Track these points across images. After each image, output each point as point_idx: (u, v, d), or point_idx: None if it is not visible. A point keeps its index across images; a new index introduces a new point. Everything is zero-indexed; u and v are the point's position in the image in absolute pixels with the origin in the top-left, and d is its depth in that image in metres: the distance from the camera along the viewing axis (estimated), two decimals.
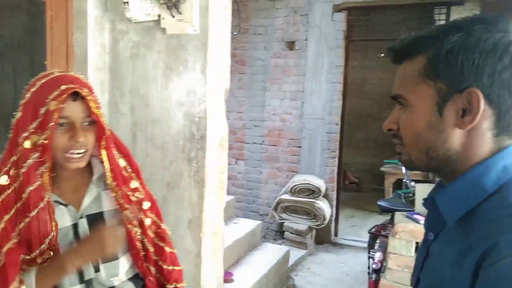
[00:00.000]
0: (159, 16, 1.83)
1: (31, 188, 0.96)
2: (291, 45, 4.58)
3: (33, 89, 0.99)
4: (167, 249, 1.21)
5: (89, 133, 1.02)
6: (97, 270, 1.05)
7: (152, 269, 1.17)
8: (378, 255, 2.66)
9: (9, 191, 0.97)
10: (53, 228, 0.98)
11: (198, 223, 1.90)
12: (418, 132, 0.66)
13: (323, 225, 4.25)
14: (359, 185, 6.83)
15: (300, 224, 4.26)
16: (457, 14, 4.02)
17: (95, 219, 1.06)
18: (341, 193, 4.75)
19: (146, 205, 1.17)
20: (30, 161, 0.96)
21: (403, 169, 3.48)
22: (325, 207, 4.24)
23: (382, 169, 5.25)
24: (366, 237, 3.29)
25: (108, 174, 1.08)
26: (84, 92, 0.99)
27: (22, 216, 0.97)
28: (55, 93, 0.96)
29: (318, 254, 4.29)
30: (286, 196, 4.32)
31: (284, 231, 4.35)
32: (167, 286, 1.21)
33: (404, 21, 5.06)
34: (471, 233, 0.61)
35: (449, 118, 0.63)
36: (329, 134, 4.47)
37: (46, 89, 0.97)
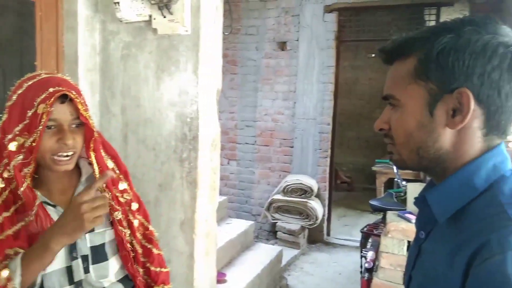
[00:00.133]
0: (150, 16, 1.82)
1: (22, 189, 0.95)
2: (282, 45, 4.59)
3: (19, 91, 0.97)
4: (155, 251, 1.21)
5: (77, 136, 1.01)
6: (86, 271, 1.05)
7: (140, 271, 1.17)
8: (370, 254, 2.68)
9: (6, 192, 0.96)
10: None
11: (191, 224, 1.89)
12: (409, 132, 0.67)
13: (315, 225, 4.26)
14: (351, 184, 6.87)
15: (293, 224, 4.27)
16: (447, 14, 4.06)
17: None
18: (333, 192, 4.77)
19: (134, 206, 1.16)
20: (13, 163, 0.95)
21: (395, 168, 3.51)
22: (317, 207, 4.26)
23: (373, 168, 5.29)
24: (358, 236, 3.31)
25: (98, 176, 1.08)
26: (73, 94, 0.98)
27: (22, 215, 0.96)
28: (43, 96, 0.94)
29: (311, 254, 4.30)
30: (279, 196, 4.33)
31: (276, 231, 4.36)
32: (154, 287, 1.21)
33: (394, 22, 5.10)
34: (462, 231, 0.62)
35: (440, 118, 0.64)
36: (321, 134, 4.49)
37: (34, 91, 0.96)
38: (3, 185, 0.96)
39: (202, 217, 1.94)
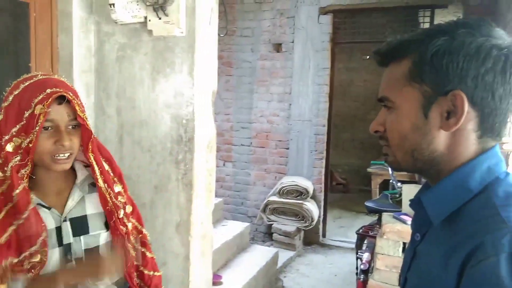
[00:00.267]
0: (145, 18, 1.82)
1: (17, 191, 0.94)
2: (277, 47, 4.60)
3: (16, 92, 0.97)
4: (148, 254, 1.22)
5: (73, 137, 1.01)
6: None
7: (134, 274, 1.17)
8: (366, 256, 2.68)
9: None
10: (43, 229, 0.97)
11: (186, 226, 1.89)
12: (404, 134, 0.67)
13: (311, 226, 4.27)
14: (346, 186, 6.88)
15: (289, 225, 4.27)
16: (441, 16, 4.09)
17: (79, 223, 1.05)
18: (328, 194, 4.77)
19: (128, 209, 1.16)
20: (11, 164, 0.94)
21: (390, 170, 3.52)
22: (313, 208, 4.26)
23: (368, 170, 5.30)
24: (354, 238, 3.31)
25: (99, 176, 1.08)
26: (70, 96, 0.98)
27: (13, 218, 0.95)
28: (41, 97, 0.94)
29: (307, 255, 4.30)
30: (274, 198, 4.33)
31: (272, 233, 4.36)
32: None
33: (389, 24, 5.13)
34: (456, 233, 0.62)
35: (434, 120, 0.64)
36: (316, 135, 4.50)
37: (31, 92, 0.96)
38: None
39: (197, 219, 1.93)
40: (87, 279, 0.98)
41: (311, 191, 4.31)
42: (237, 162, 4.85)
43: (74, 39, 1.88)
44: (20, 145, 0.95)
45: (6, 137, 0.95)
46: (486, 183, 0.63)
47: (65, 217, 1.04)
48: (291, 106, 4.58)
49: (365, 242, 2.99)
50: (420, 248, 0.71)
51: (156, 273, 1.23)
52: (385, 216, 2.39)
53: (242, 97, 4.77)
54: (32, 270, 0.96)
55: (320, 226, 4.61)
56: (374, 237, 2.66)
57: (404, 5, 4.18)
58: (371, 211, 3.25)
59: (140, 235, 1.20)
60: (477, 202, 0.62)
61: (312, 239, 4.54)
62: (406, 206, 2.42)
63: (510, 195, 0.61)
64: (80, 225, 1.05)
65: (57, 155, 0.99)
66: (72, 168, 1.09)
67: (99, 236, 1.09)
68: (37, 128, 0.93)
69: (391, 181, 3.64)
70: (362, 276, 2.64)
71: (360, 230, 3.14)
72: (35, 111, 0.93)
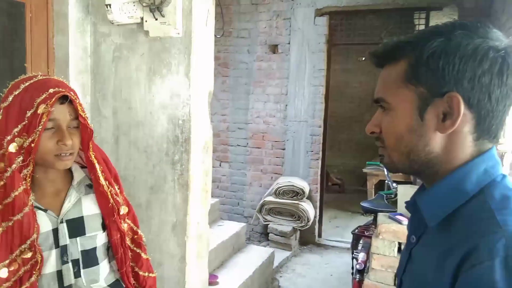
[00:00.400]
0: (142, 18, 1.82)
1: (16, 193, 0.94)
2: (274, 48, 4.61)
3: (16, 92, 0.97)
4: (143, 256, 1.22)
5: (74, 137, 1.02)
6: (77, 275, 1.04)
7: (130, 274, 1.18)
8: (361, 256, 2.69)
9: None
10: (35, 231, 0.96)
11: (183, 226, 1.89)
12: (400, 135, 0.67)
13: (307, 227, 4.28)
14: (342, 186, 6.90)
15: (285, 225, 4.27)
16: (436, 18, 4.12)
17: (75, 224, 1.05)
18: (324, 194, 4.79)
19: (124, 210, 1.16)
20: (14, 166, 0.94)
21: (385, 170, 3.53)
22: (309, 209, 4.27)
23: (364, 170, 5.32)
24: (349, 238, 3.33)
25: (101, 175, 1.09)
26: (72, 95, 0.99)
27: (6, 219, 0.95)
28: (43, 96, 0.95)
29: (303, 255, 4.31)
30: (271, 198, 4.34)
31: (268, 233, 4.36)
32: None
33: (384, 26, 5.15)
34: (451, 236, 0.61)
35: (430, 122, 0.63)
36: (312, 136, 4.51)
37: (32, 92, 0.96)
38: None
39: (194, 219, 1.93)
40: None
41: (307, 192, 4.32)
42: (234, 162, 4.86)
43: (70, 39, 1.88)
44: (22, 145, 0.95)
45: (8, 138, 0.95)
46: (482, 185, 0.63)
47: (62, 218, 1.04)
48: (287, 107, 4.59)
49: (361, 242, 3.00)
50: (416, 250, 0.71)
51: (151, 275, 1.23)
52: (381, 216, 2.40)
53: (239, 98, 4.77)
54: (33, 271, 0.96)
55: (316, 226, 4.62)
56: (370, 237, 2.67)
57: (400, 7, 4.20)
58: (366, 211, 3.26)
59: (136, 236, 1.21)
60: (473, 204, 0.62)
61: (308, 239, 4.55)
62: (401, 206, 2.44)
63: (506, 198, 0.61)
64: (76, 227, 1.05)
65: (60, 153, 0.99)
66: (69, 169, 1.09)
67: (96, 237, 1.09)
68: (39, 127, 0.94)
69: (386, 181, 3.66)
70: (357, 276, 2.65)
71: (356, 230, 3.16)
72: (38, 111, 0.94)
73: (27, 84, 0.98)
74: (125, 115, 1.94)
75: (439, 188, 0.66)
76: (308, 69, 4.46)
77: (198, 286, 2.05)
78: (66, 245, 1.03)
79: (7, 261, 0.94)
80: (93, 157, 1.08)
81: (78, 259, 1.04)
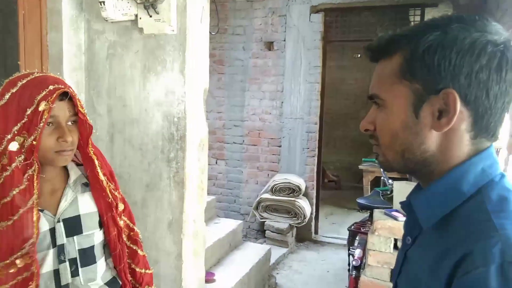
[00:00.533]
0: (136, 15, 1.81)
1: (14, 192, 0.93)
2: (269, 45, 4.60)
3: (13, 90, 0.96)
4: (140, 252, 1.22)
5: (73, 133, 1.02)
6: (75, 274, 1.04)
7: (128, 270, 1.18)
8: (357, 252, 2.71)
9: None
10: (34, 235, 0.95)
11: (179, 224, 1.89)
12: (394, 133, 0.64)
13: (303, 223, 4.29)
14: (338, 183, 6.92)
15: (281, 222, 4.28)
16: (431, 15, 4.13)
17: (72, 223, 1.05)
18: (320, 191, 4.80)
19: (120, 207, 1.16)
20: (14, 164, 0.93)
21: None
22: (305, 206, 4.28)
23: (360, 167, 5.34)
24: (346, 235, 3.34)
25: (100, 170, 1.09)
26: (72, 92, 0.99)
27: (5, 218, 0.94)
28: (44, 93, 0.94)
29: (299, 252, 4.32)
30: (267, 195, 4.34)
31: (265, 230, 4.37)
32: None
33: (380, 22, 5.16)
34: (447, 238, 0.59)
35: (425, 120, 0.61)
36: (308, 133, 4.51)
37: (32, 89, 0.95)
38: None
39: (190, 217, 1.93)
40: None
41: (303, 188, 4.33)
42: (230, 160, 4.85)
43: (64, 36, 1.86)
44: (23, 144, 0.94)
45: (8, 136, 0.94)
46: (479, 185, 0.60)
47: (58, 218, 1.03)
48: (283, 104, 4.59)
49: (357, 238, 3.02)
50: (411, 252, 0.69)
51: (147, 271, 1.24)
52: (377, 213, 2.41)
53: (234, 95, 4.77)
54: (29, 283, 0.95)
55: (313, 223, 4.64)
56: (366, 234, 2.68)
57: (395, 4, 4.21)
58: (362, 208, 3.28)
59: (132, 233, 1.20)
60: (469, 206, 0.59)
61: (305, 236, 4.57)
62: (397, 203, 2.45)
63: (504, 200, 0.58)
64: (73, 226, 1.05)
65: (61, 150, 0.99)
66: (65, 168, 1.09)
67: (93, 235, 1.08)
68: (41, 124, 0.93)
69: (382, 178, 3.67)
70: (354, 272, 2.66)
71: (352, 227, 3.17)
72: (39, 108, 0.93)
73: (24, 81, 0.97)
74: (119, 113, 1.93)
75: (434, 188, 0.63)
76: (303, 66, 4.46)
77: (195, 284, 2.04)
78: (63, 244, 1.02)
79: (7, 261, 0.93)
80: (92, 153, 1.08)
81: (75, 258, 1.04)
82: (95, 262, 1.08)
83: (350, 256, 2.90)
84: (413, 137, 0.62)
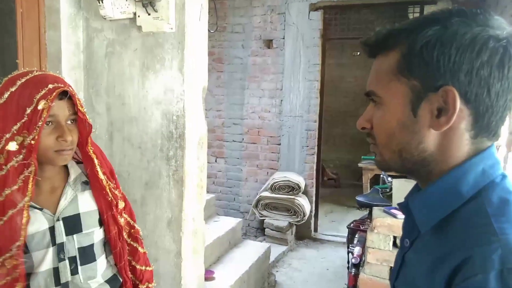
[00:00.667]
0: (134, 14, 1.80)
1: (7, 191, 0.93)
2: (268, 43, 4.60)
3: (12, 89, 0.95)
4: (140, 250, 1.22)
5: (73, 132, 1.02)
6: (74, 272, 1.04)
7: (128, 268, 1.18)
8: (357, 250, 2.71)
9: None
10: (21, 237, 0.94)
11: (178, 222, 1.89)
12: (391, 132, 0.62)
13: (303, 221, 4.29)
14: (338, 181, 6.93)
15: (281, 220, 4.29)
16: None
17: (72, 221, 1.05)
18: (320, 189, 4.80)
19: (121, 205, 1.16)
20: (10, 164, 0.93)
21: None
22: (304, 203, 4.29)
23: (359, 165, 5.34)
24: (345, 232, 3.34)
25: (99, 169, 1.09)
26: (71, 90, 0.99)
27: None
28: (43, 92, 0.94)
29: (299, 250, 4.33)
30: (266, 193, 4.34)
31: (264, 228, 4.37)
32: (139, 286, 1.21)
33: (379, 20, 5.15)
34: (445, 242, 0.57)
35: (424, 118, 0.58)
36: (308, 131, 4.52)
37: (31, 88, 0.94)
38: None
39: (189, 215, 1.93)
40: None
41: (302, 186, 4.34)
42: (229, 158, 4.86)
43: (62, 35, 1.86)
44: (22, 143, 0.93)
45: (7, 136, 0.93)
46: (480, 187, 0.57)
47: (58, 216, 1.03)
48: (282, 102, 4.59)
49: (356, 236, 3.02)
50: (409, 255, 0.66)
51: (148, 268, 1.24)
52: (376, 210, 2.41)
53: (234, 93, 4.76)
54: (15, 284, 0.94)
55: (312, 221, 4.64)
56: (365, 231, 2.68)
57: (394, 1, 4.21)
58: (362, 206, 3.28)
59: (133, 230, 1.21)
60: (469, 208, 0.57)
61: (304, 233, 4.57)
62: (396, 200, 2.45)
63: (505, 202, 0.56)
64: (73, 224, 1.05)
65: (60, 149, 0.99)
66: (65, 166, 1.09)
67: (93, 234, 1.08)
68: (40, 123, 0.93)
69: (381, 175, 3.67)
70: (353, 270, 2.67)
71: (351, 225, 3.17)
72: (38, 107, 0.92)
73: (23, 80, 0.96)
74: (118, 111, 1.93)
75: (432, 189, 0.61)
76: (303, 64, 4.46)
77: (195, 282, 2.05)
78: (63, 242, 1.02)
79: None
80: (91, 152, 1.08)
81: (75, 256, 1.04)
82: (95, 260, 1.08)
83: (350, 253, 2.90)
84: (411, 136, 0.60)
